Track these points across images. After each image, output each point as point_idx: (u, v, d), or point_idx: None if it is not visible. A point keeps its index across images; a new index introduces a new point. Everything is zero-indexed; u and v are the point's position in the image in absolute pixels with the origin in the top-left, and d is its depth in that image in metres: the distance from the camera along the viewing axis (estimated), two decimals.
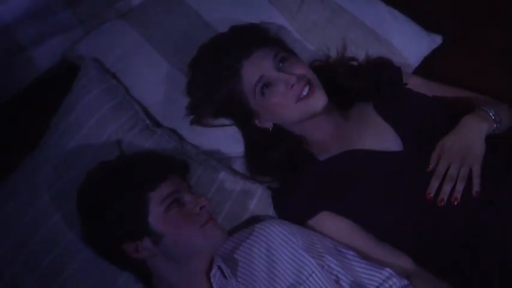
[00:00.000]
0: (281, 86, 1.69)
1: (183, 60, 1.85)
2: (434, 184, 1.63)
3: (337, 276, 1.62)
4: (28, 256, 1.65)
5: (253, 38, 1.74)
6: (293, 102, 1.70)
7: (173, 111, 1.88)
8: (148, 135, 1.81)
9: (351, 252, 1.67)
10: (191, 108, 1.82)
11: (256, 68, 1.70)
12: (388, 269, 1.63)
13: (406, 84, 1.86)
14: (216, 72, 1.73)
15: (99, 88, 1.84)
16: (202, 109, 1.80)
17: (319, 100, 1.70)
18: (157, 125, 1.88)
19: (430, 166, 1.65)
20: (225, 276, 1.58)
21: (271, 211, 1.76)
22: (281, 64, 1.71)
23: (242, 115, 1.78)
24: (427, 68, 2.05)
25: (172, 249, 1.53)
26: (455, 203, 1.62)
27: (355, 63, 1.90)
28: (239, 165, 1.85)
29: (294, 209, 1.73)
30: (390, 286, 1.61)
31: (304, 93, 1.69)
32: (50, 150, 1.78)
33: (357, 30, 2.01)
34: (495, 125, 1.71)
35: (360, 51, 1.94)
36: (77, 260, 1.65)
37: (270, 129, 1.79)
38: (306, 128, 1.78)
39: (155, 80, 1.91)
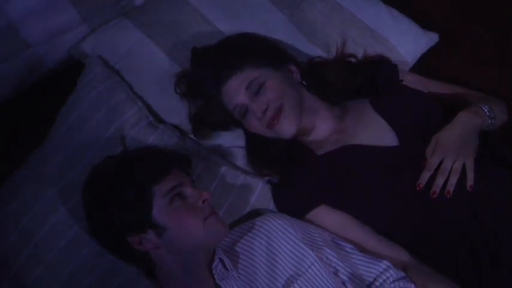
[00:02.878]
0: (253, 116, 1.74)
1: (186, 57, 1.87)
2: (425, 175, 1.65)
3: (335, 268, 1.64)
4: (35, 249, 1.67)
5: (227, 64, 1.75)
6: (265, 128, 1.74)
7: (175, 107, 1.89)
8: (151, 131, 1.82)
9: (349, 245, 1.68)
10: (193, 132, 1.88)
11: (230, 97, 1.75)
12: (385, 261, 1.64)
13: (402, 80, 1.88)
14: (203, 103, 1.81)
15: (103, 85, 1.86)
16: (201, 129, 1.87)
17: (286, 129, 1.74)
18: (160, 121, 1.90)
19: (426, 160, 1.67)
20: (226, 268, 1.59)
21: (271, 205, 1.78)
22: (256, 89, 1.73)
23: (238, 124, 1.84)
24: (424, 65, 2.07)
25: (175, 241, 1.54)
26: (448, 196, 1.63)
27: (353, 60, 1.92)
28: (240, 160, 1.87)
29: (293, 203, 1.75)
30: (387, 278, 1.62)
31: (275, 120, 1.72)
32: (56, 146, 1.79)
33: (355, 28, 2.02)
34: (489, 121, 1.73)
35: (358, 48, 1.96)
36: (83, 252, 1.66)
37: None
38: (304, 125, 1.79)
39: (158, 77, 1.92)
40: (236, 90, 1.73)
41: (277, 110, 1.71)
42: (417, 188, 1.64)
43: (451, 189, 1.63)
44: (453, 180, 1.63)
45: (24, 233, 1.69)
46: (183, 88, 1.86)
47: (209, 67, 1.78)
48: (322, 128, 1.81)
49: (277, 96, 1.72)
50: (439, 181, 1.64)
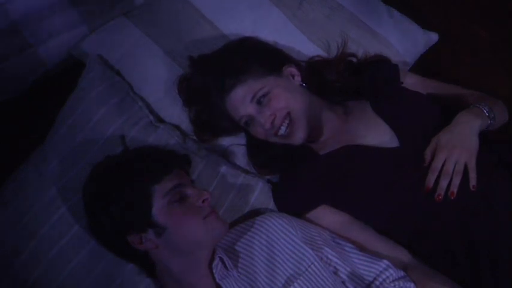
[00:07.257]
0: (259, 126, 1.73)
1: (186, 57, 1.86)
2: (431, 177, 1.64)
3: (335, 268, 1.64)
4: (35, 248, 1.67)
5: (230, 74, 1.73)
6: (273, 136, 1.74)
7: (175, 107, 1.90)
8: (151, 131, 1.83)
9: (349, 244, 1.68)
10: (196, 137, 1.88)
11: (235, 108, 1.74)
12: (385, 260, 1.65)
13: (402, 83, 1.87)
14: (207, 110, 1.80)
15: (103, 84, 1.86)
16: (204, 134, 1.87)
17: (298, 137, 1.74)
18: (160, 120, 1.90)
19: (426, 161, 1.67)
20: (226, 268, 1.59)
21: (271, 204, 1.78)
22: (261, 99, 1.72)
23: (241, 130, 1.84)
24: (424, 65, 2.07)
25: (175, 241, 1.55)
26: (452, 197, 1.62)
27: (354, 59, 1.92)
28: (240, 159, 1.87)
29: (293, 202, 1.75)
30: (387, 277, 1.63)
31: (282, 132, 1.72)
32: (57, 145, 1.80)
33: (355, 28, 2.02)
34: (489, 121, 1.73)
35: (358, 48, 1.96)
36: (83, 251, 1.67)
37: None
38: (312, 127, 1.78)
39: (158, 77, 1.93)
40: (241, 102, 1.73)
41: (285, 117, 1.72)
42: (426, 189, 1.64)
43: (455, 191, 1.63)
44: (456, 181, 1.63)
45: (24, 232, 1.69)
46: (184, 94, 1.86)
47: (212, 76, 1.76)
48: (324, 128, 1.81)
49: (283, 105, 1.72)
50: (443, 184, 1.63)
